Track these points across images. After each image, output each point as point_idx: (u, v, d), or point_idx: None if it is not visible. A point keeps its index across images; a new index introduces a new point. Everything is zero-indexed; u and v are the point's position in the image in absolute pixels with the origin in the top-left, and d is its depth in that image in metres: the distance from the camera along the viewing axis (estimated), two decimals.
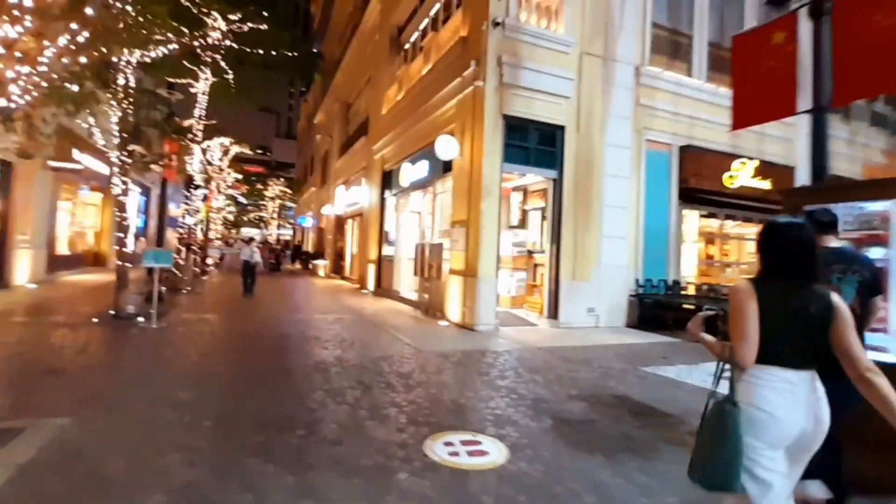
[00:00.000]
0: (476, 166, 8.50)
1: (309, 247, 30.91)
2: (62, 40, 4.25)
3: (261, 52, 7.46)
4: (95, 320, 7.11)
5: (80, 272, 15.55)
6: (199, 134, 13.01)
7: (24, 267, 11.46)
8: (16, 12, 3.82)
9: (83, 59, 4.25)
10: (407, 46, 14.39)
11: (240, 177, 26.54)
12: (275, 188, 33.20)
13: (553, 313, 8.79)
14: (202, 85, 12.52)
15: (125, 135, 7.21)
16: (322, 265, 22.95)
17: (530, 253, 10.47)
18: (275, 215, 35.84)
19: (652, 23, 9.86)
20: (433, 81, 10.52)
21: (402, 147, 12.93)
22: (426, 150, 11.15)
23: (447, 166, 9.64)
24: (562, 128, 8.93)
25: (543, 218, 10.30)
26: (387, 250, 14.46)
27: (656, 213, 9.77)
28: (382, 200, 14.82)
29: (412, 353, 6.08)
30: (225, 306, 10.15)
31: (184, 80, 12.08)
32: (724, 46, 10.10)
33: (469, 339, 7.40)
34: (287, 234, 47.40)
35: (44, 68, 3.89)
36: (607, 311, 9.06)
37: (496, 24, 8.22)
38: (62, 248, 15.14)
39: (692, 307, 8.20)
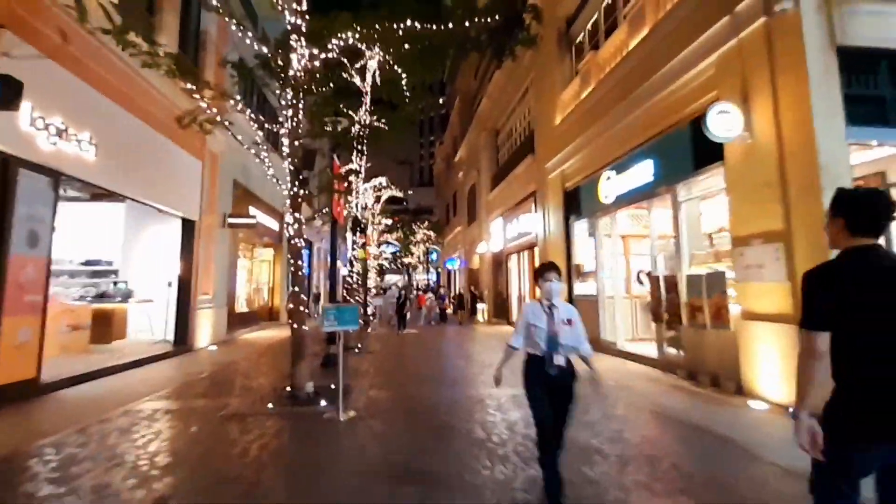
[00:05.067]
0: (793, 141, 5.16)
1: (455, 290, 29.31)
2: None
3: (449, 26, 5.44)
4: (270, 406, 5.32)
5: (257, 328, 15.47)
6: (361, 174, 11.88)
7: (205, 328, 11.04)
8: None
9: None
10: (581, 37, 11.80)
11: (390, 222, 26.35)
12: (419, 232, 32.80)
13: None
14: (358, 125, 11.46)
15: (296, 160, 5.60)
16: (480, 309, 20.71)
17: None
18: (421, 259, 35.47)
19: None
20: (658, 47, 7.56)
21: (599, 154, 10.04)
22: (649, 146, 8.09)
23: (709, 155, 6.42)
24: None
25: None
26: (581, 288, 11.41)
27: None
28: (567, 226, 11.95)
29: None
30: (408, 373, 8.05)
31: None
32: None
33: None
34: (430, 278, 47.36)
35: None
36: None
37: None
38: (240, 306, 15.22)
39: None
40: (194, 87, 5.07)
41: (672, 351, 7.53)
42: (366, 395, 5.85)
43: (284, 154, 5.51)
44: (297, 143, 5.52)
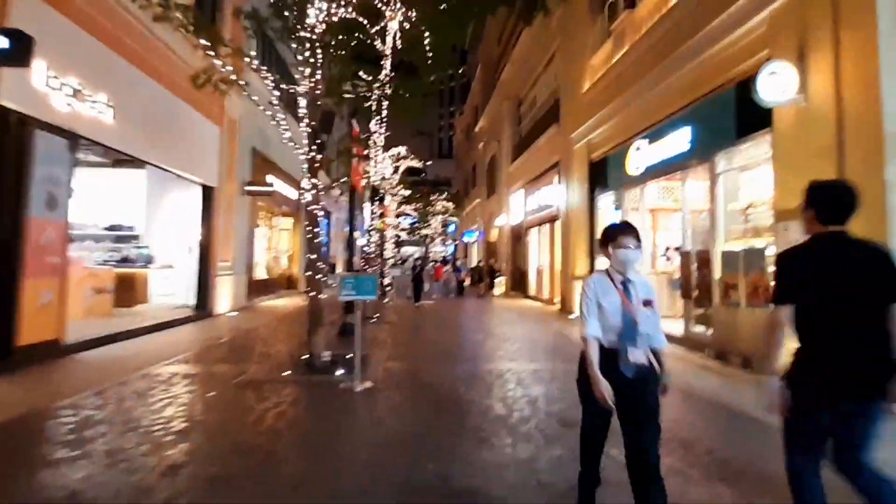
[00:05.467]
0: (855, 106, 4.67)
1: (472, 262, 29.10)
2: None
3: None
4: (288, 373, 5.26)
5: (276, 296, 15.63)
6: (381, 140, 11.58)
7: (225, 294, 11.12)
8: None
9: None
10: None
11: (408, 193, 26.07)
12: (438, 203, 32.42)
13: None
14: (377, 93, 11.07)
15: (313, 122, 5.35)
16: (498, 282, 20.52)
17: None
18: (439, 231, 35.27)
19: None
20: (703, 3, 6.94)
21: (630, 122, 9.50)
22: (686, 112, 7.57)
23: (755, 122, 5.94)
24: None
25: None
26: (602, 264, 11.03)
27: None
28: (591, 199, 11.52)
29: None
30: (425, 345, 7.96)
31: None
32: None
33: None
34: (447, 250, 47.19)
35: None
36: None
37: None
38: (260, 274, 15.33)
39: None
40: (209, 45, 4.80)
41: (699, 329, 7.24)
42: (382, 366, 5.76)
43: (301, 115, 5.25)
44: (315, 104, 5.25)
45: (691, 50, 7.16)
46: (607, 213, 11.06)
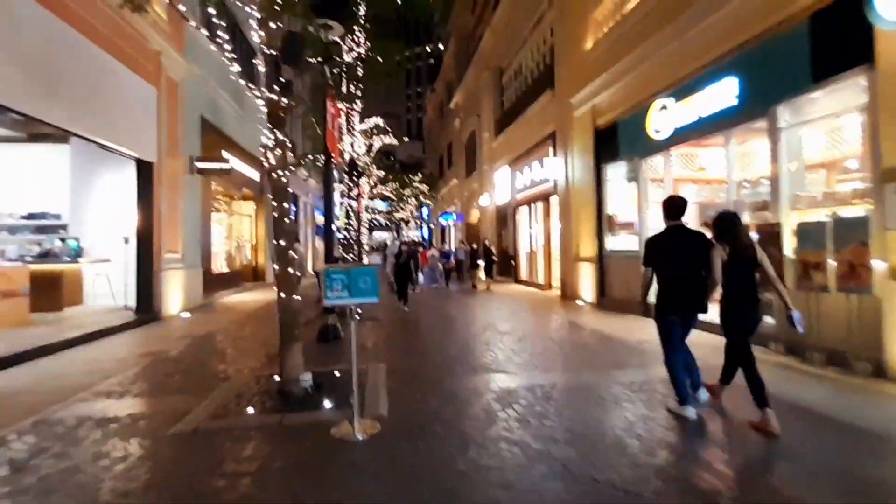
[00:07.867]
0: None
1: (450, 246, 27.69)
2: None
3: None
4: (251, 411, 3.71)
5: (239, 291, 13.80)
6: (358, 106, 9.92)
7: (175, 292, 9.31)
8: None
9: None
10: None
11: (383, 174, 24.31)
12: (414, 184, 30.71)
13: None
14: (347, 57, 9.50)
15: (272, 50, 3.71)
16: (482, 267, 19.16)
17: None
18: (414, 214, 33.62)
19: None
20: None
21: (649, 79, 8.18)
22: (732, 59, 6.31)
23: (843, 59, 4.72)
24: None
25: None
26: (614, 243, 9.86)
27: None
28: (598, 171, 10.25)
29: None
30: (433, 351, 6.54)
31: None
32: None
33: None
34: (421, 234, 45.57)
35: None
36: None
37: None
38: (219, 266, 13.44)
39: None
40: None
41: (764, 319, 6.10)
42: (385, 390, 4.26)
43: (258, 41, 3.58)
44: (273, 21, 3.61)
45: None
46: (618, 186, 9.83)
